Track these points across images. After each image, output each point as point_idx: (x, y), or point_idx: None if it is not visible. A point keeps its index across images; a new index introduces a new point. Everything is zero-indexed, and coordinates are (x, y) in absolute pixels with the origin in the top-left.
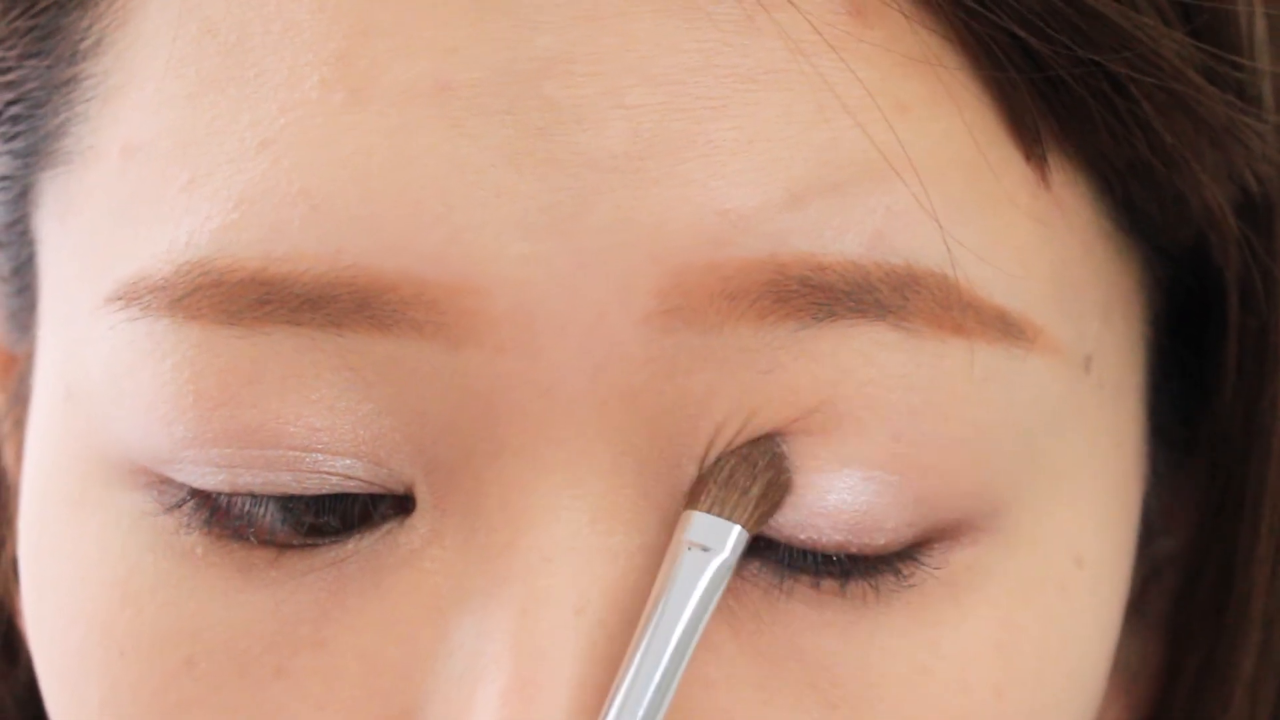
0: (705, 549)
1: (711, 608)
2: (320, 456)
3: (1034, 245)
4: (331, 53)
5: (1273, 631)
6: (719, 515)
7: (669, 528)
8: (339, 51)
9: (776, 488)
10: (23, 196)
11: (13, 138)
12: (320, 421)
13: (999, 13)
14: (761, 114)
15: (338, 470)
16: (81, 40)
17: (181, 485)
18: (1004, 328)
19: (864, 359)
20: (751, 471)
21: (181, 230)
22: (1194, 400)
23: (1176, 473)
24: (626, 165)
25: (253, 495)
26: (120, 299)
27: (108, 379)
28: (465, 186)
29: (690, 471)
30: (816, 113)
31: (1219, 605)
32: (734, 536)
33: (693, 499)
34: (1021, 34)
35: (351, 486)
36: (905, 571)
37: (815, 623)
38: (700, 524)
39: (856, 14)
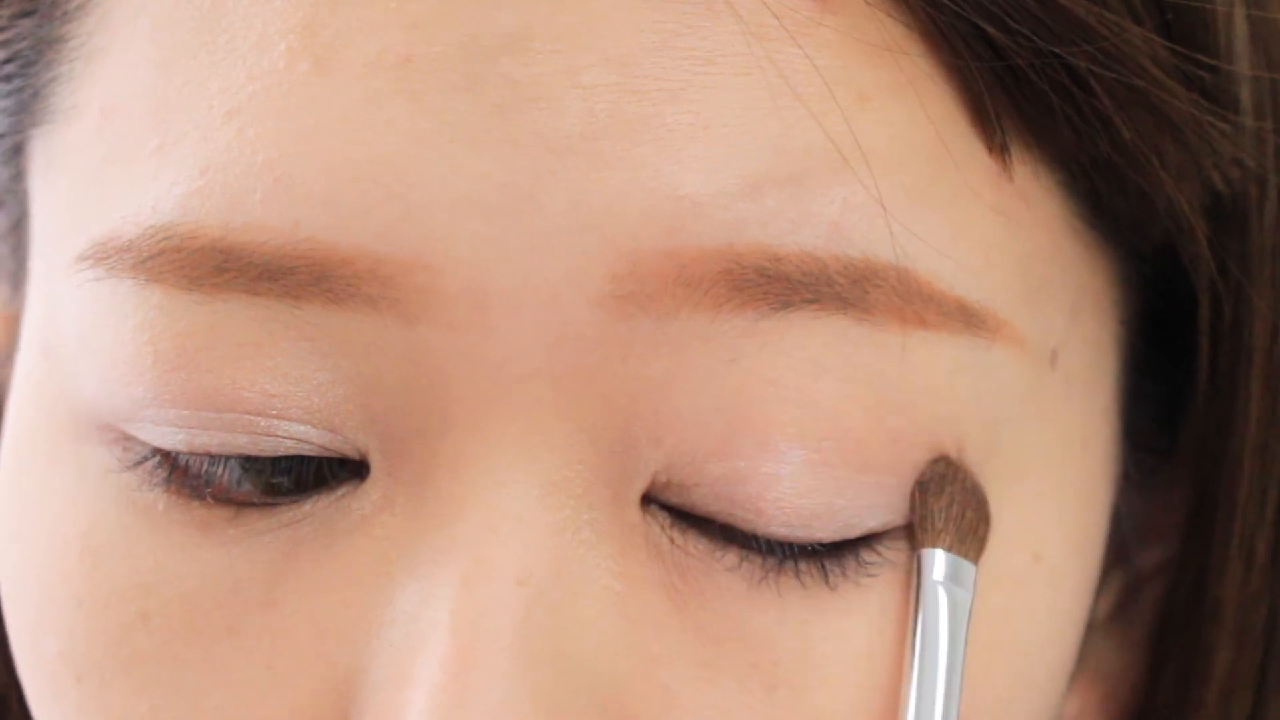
0: (957, 587)
1: (963, 645)
2: (275, 421)
3: (996, 238)
4: (299, 21)
5: (1245, 644)
6: (961, 556)
7: (621, 505)
8: (306, 20)
9: (988, 525)
10: (17, 153)
11: (6, 95)
12: (275, 388)
13: (961, 2)
14: (718, 99)
15: (293, 434)
16: (69, 1)
17: (144, 443)
18: (966, 320)
19: (833, 352)
20: (979, 514)
21: (149, 194)
22: (1173, 405)
23: (1157, 478)
24: (581, 146)
25: (210, 455)
26: (89, 258)
27: (76, 337)
28: (422, 163)
29: (648, 453)
30: (773, 101)
31: (1194, 615)
32: (972, 575)
33: (932, 537)
34: (983, 24)
35: (307, 450)
36: (866, 558)
37: (759, 603)
38: (946, 564)
39: (819, 0)
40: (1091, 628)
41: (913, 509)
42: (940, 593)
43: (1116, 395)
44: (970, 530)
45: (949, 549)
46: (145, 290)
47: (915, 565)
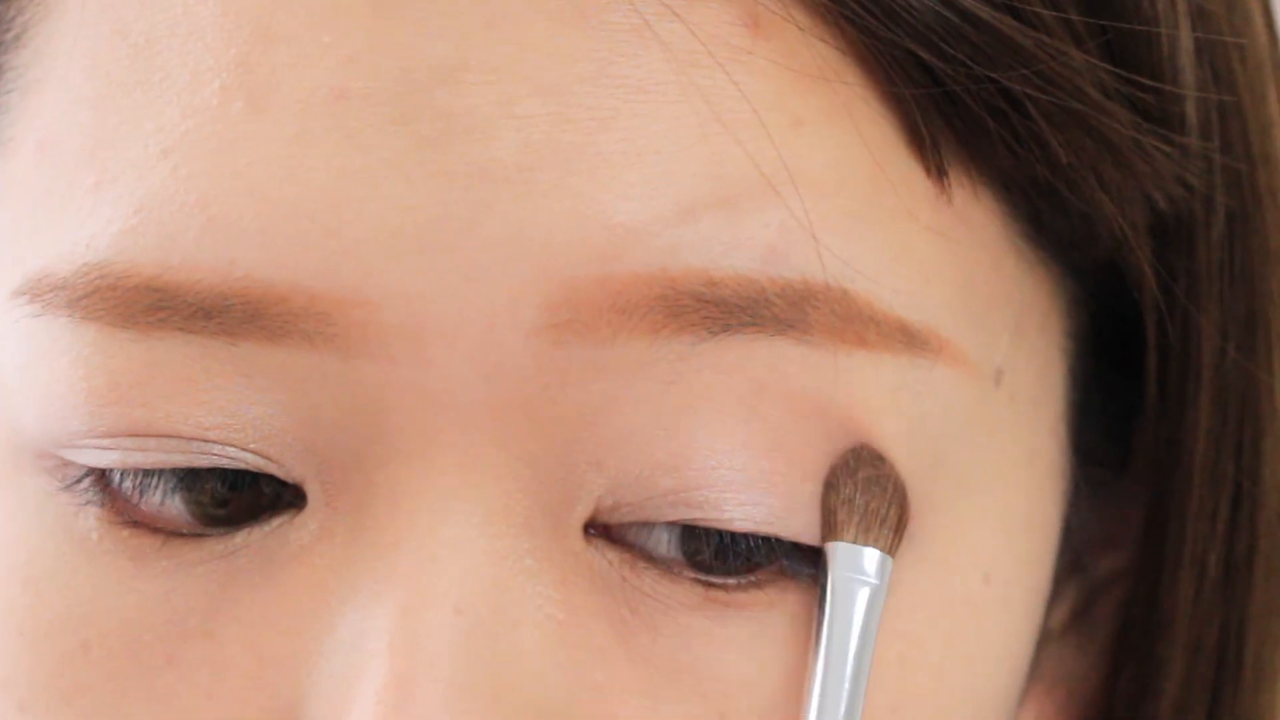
0: (865, 581)
1: (874, 638)
2: (212, 445)
3: (936, 259)
4: (233, 58)
5: (1198, 659)
6: (866, 545)
7: (563, 533)
8: (240, 57)
9: (904, 511)
10: None
11: None
12: (210, 421)
13: (895, 28)
14: (651, 127)
15: (228, 455)
16: (6, 31)
17: (80, 465)
18: (907, 340)
19: (773, 371)
20: (885, 498)
21: (84, 231)
22: (1124, 419)
23: (1109, 492)
24: (516, 176)
25: (145, 471)
26: (25, 294)
27: (15, 369)
28: (357, 200)
29: (590, 478)
30: (705, 126)
31: (1147, 629)
32: (884, 565)
33: (837, 530)
34: (918, 50)
35: (242, 466)
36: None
37: (718, 638)
38: (851, 555)
39: (752, 26)
40: (1048, 637)
41: (822, 508)
42: (841, 586)
43: (1064, 411)
44: (877, 519)
45: (853, 540)
46: (80, 328)
47: (822, 563)
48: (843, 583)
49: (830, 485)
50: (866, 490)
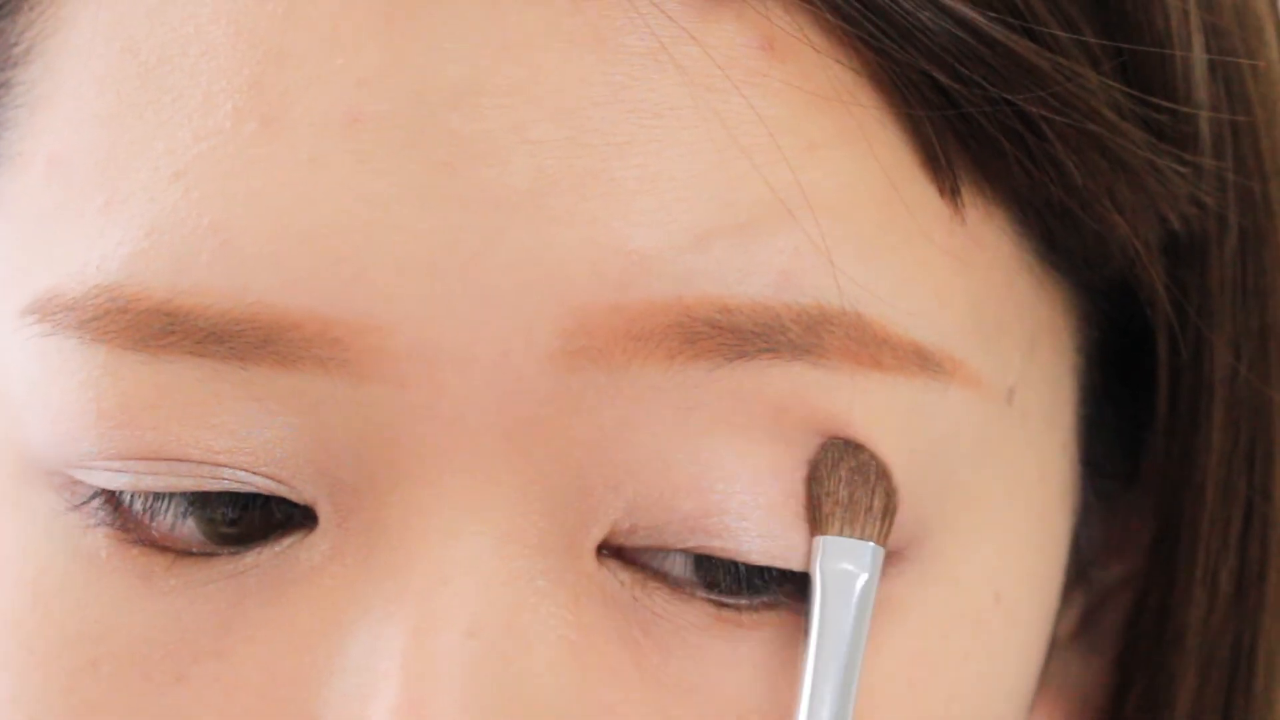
0: (849, 571)
1: (866, 629)
2: (222, 469)
3: (950, 280)
4: (245, 80)
5: (1210, 673)
6: (853, 536)
7: (576, 554)
8: (253, 79)
9: (893, 498)
10: None
11: None
12: (221, 444)
13: (910, 50)
14: (666, 152)
15: (239, 479)
16: (14, 46)
17: (90, 486)
18: (921, 362)
19: (792, 396)
20: (869, 487)
21: (94, 252)
22: (1134, 433)
23: (1118, 505)
24: (529, 202)
25: (156, 493)
26: (34, 313)
27: (24, 386)
28: (370, 225)
29: (606, 500)
30: (721, 151)
31: (1158, 642)
32: (872, 555)
33: (821, 524)
34: (934, 72)
35: (253, 489)
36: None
37: (729, 658)
38: (838, 548)
39: (768, 48)
40: (1055, 646)
41: (806, 503)
42: (826, 579)
43: (1074, 426)
44: (862, 509)
45: (839, 533)
46: (89, 349)
47: (811, 557)
48: (832, 576)
49: (813, 478)
50: (850, 482)
